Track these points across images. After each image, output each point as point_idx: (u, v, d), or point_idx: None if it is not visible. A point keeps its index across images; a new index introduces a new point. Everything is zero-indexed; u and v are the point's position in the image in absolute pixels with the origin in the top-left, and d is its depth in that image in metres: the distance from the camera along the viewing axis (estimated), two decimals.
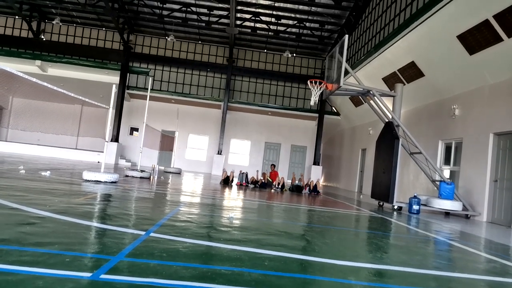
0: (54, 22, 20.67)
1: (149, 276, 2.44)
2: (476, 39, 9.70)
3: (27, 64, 21.58)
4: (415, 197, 9.73)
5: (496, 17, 8.81)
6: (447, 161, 12.00)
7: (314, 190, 13.57)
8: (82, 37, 23.46)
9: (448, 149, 12.01)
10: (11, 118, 26.10)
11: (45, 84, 7.98)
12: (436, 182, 10.54)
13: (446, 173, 11.74)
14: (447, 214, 10.32)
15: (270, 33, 21.43)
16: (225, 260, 3.13)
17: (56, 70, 22.56)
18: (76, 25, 23.34)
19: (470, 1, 9.32)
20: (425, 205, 10.18)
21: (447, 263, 4.17)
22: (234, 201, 8.63)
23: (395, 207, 10.26)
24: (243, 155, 25.26)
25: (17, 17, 22.49)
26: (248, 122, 25.05)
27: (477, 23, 9.42)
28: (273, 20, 20.51)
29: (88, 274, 2.35)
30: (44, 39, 22.74)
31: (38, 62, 21.90)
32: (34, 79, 7.01)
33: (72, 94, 9.28)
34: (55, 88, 8.34)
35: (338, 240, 4.89)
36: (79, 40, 23.43)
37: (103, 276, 2.35)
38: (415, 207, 9.59)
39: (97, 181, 8.78)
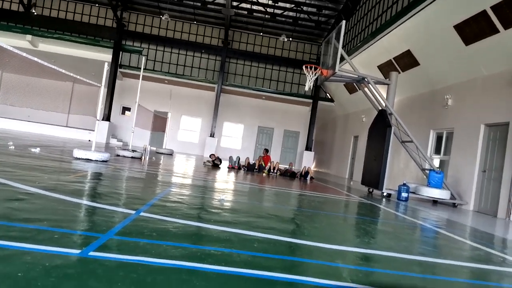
0: None
1: (138, 254, 2.45)
2: (473, 29, 9.68)
3: (17, 39, 21.05)
4: (404, 184, 9.86)
5: (493, 8, 8.78)
6: (437, 151, 12.13)
7: (305, 175, 13.68)
8: (74, 12, 22.89)
9: (439, 138, 12.13)
10: (1, 93, 25.59)
11: (36, 59, 7.82)
12: (426, 171, 10.68)
13: (436, 162, 11.88)
14: (435, 202, 10.50)
15: (266, 16, 21.14)
16: (215, 241, 3.15)
17: (48, 46, 22.06)
18: (68, 0, 22.74)
19: None
20: (413, 193, 10.32)
21: (432, 249, 4.26)
22: (225, 184, 8.66)
23: (384, 194, 10.39)
24: (236, 139, 25.24)
25: None
26: (241, 106, 24.94)
27: (474, 13, 9.38)
28: (270, 2, 20.20)
29: (77, 251, 2.35)
30: (35, 13, 22.14)
31: (29, 37, 21.37)
32: (24, 54, 6.85)
33: (63, 71, 9.12)
34: (46, 64, 8.18)
35: (327, 225, 4.95)
36: (71, 16, 22.87)
37: (92, 253, 2.35)
38: (404, 194, 9.73)
39: (88, 159, 8.72)
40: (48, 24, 22.13)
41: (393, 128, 10.43)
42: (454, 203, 10.05)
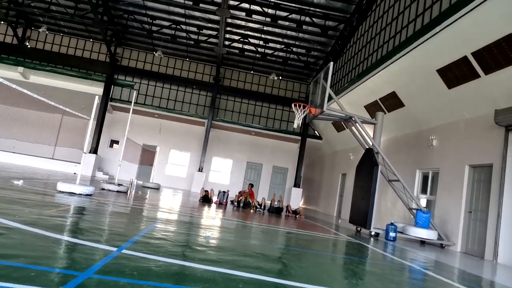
0: (40, 30, 20.48)
1: None
2: (455, 74, 10.09)
3: (9, 70, 21.15)
4: (392, 224, 9.83)
5: (474, 54, 9.22)
6: (424, 190, 12.23)
7: (294, 212, 13.63)
8: (68, 46, 23.23)
9: (425, 178, 12.26)
10: None
11: (25, 91, 7.83)
12: (413, 210, 10.69)
13: (423, 202, 11.93)
14: (423, 242, 10.44)
15: (257, 55, 21.78)
16: (198, 280, 3.05)
17: (39, 78, 22.15)
18: (62, 35, 23.15)
19: (450, 39, 9.74)
20: (401, 232, 10.27)
21: None
22: (212, 220, 8.50)
23: (372, 233, 10.31)
24: (224, 174, 25.11)
25: (2, 22, 22.16)
26: (231, 141, 25.04)
27: (456, 59, 9.81)
28: (261, 43, 20.88)
29: None
30: (29, 46, 22.40)
31: (20, 68, 21.49)
32: (14, 86, 6.86)
33: (52, 103, 9.11)
34: (35, 95, 8.18)
35: (315, 264, 4.86)
36: (64, 50, 23.18)
37: None
38: (392, 234, 9.66)
39: (72, 193, 8.53)
40: (41, 57, 22.33)
41: (380, 167, 10.54)
42: (442, 244, 10.01)
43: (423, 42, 10.49)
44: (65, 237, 3.96)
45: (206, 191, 14.16)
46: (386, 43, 13.30)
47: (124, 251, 3.66)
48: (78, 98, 21.89)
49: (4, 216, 4.40)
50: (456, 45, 9.65)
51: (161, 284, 2.75)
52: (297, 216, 13.40)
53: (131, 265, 3.19)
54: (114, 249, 3.68)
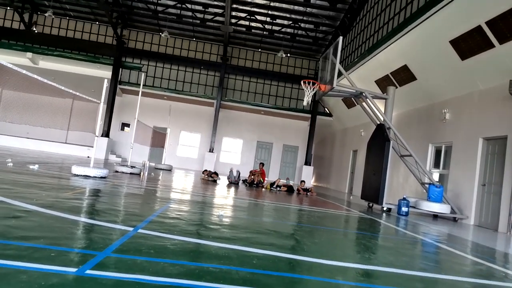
0: (46, 14, 20.38)
1: (136, 272, 2.42)
2: (468, 44, 9.80)
3: (18, 56, 21.24)
4: (404, 199, 9.82)
5: (488, 23, 8.92)
6: (436, 164, 12.13)
7: (305, 190, 13.72)
8: (74, 30, 23.18)
9: (438, 152, 12.13)
10: (0, 110, 25.64)
11: (36, 76, 7.88)
12: (425, 185, 10.65)
13: (436, 176, 11.85)
14: (435, 216, 10.43)
15: (264, 32, 21.42)
16: (213, 257, 3.12)
17: (48, 63, 22.22)
18: (69, 18, 23.06)
19: (464, 7, 9.42)
20: (414, 207, 10.27)
21: (434, 265, 4.21)
22: (224, 199, 8.61)
23: (384, 208, 10.33)
24: (235, 154, 25.23)
25: (8, 8, 22.13)
26: (240, 121, 25.02)
27: (469, 28, 9.51)
28: (268, 19, 20.50)
29: (74, 269, 2.32)
30: (36, 31, 22.40)
31: (29, 54, 21.56)
32: (24, 71, 6.90)
33: (63, 88, 9.18)
34: (45, 81, 8.24)
35: (327, 240, 4.91)
36: (71, 34, 23.15)
37: (88, 271, 2.32)
38: (404, 209, 9.67)
39: (86, 175, 8.69)
40: (48, 42, 22.36)
41: (391, 142, 10.44)
42: (455, 218, 9.99)
43: (435, 12, 10.17)
44: (83, 219, 4.06)
45: (205, 171, 14.46)
46: (397, 15, 12.93)
47: (140, 230, 3.74)
48: (88, 82, 22.03)
49: (22, 200, 4.52)
50: (470, 14, 9.33)
51: (178, 261, 2.82)
52: (308, 193, 13.47)
53: (148, 243, 3.27)
54: (131, 229, 3.76)
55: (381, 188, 10.17)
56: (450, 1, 9.48)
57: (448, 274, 3.66)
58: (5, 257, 2.41)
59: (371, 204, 11.20)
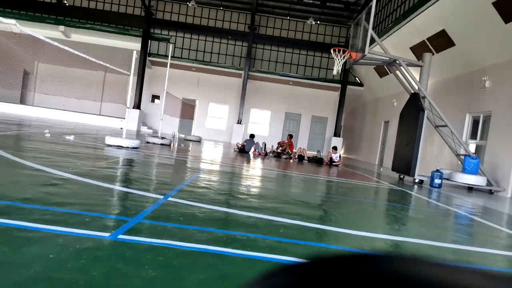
0: None
1: (166, 238, 2.49)
2: None
3: (50, 30, 21.72)
4: (437, 170, 9.52)
5: None
6: (473, 135, 11.59)
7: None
8: (104, 2, 23.30)
9: (475, 122, 11.56)
10: (37, 82, 26.69)
11: (68, 49, 8.04)
12: (461, 157, 10.25)
13: (472, 148, 11.37)
14: (470, 189, 10.09)
15: None
16: (241, 226, 3.15)
17: (80, 36, 22.65)
18: None
19: None
20: (447, 179, 9.95)
21: (467, 237, 4.09)
22: (252, 170, 8.67)
23: (416, 180, 10.08)
24: (263, 125, 25.18)
25: None
26: (268, 92, 24.76)
27: None
28: None
29: (107, 234, 2.41)
30: (67, 4, 22.73)
31: (61, 27, 22.01)
32: (56, 43, 7.05)
33: (94, 60, 9.34)
34: (77, 53, 8.40)
35: (355, 211, 4.86)
36: (101, 6, 23.32)
37: (121, 236, 2.41)
38: (437, 181, 9.39)
39: (119, 146, 8.96)
40: (79, 15, 22.67)
41: (426, 112, 10.03)
42: (491, 190, 9.62)
43: None
44: (116, 187, 4.20)
45: (242, 144, 14.38)
46: None
47: (170, 198, 3.83)
48: (118, 54, 22.32)
49: (59, 168, 4.72)
50: None
51: (206, 229, 2.87)
52: (332, 164, 13.31)
53: (177, 211, 3.34)
54: (161, 197, 3.86)
55: (413, 159, 9.88)
56: None
57: (482, 246, 3.54)
58: (43, 221, 2.53)
59: (402, 176, 10.96)
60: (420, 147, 9.92)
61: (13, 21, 5.60)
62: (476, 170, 9.51)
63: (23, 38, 22.45)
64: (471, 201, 7.62)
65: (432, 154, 13.53)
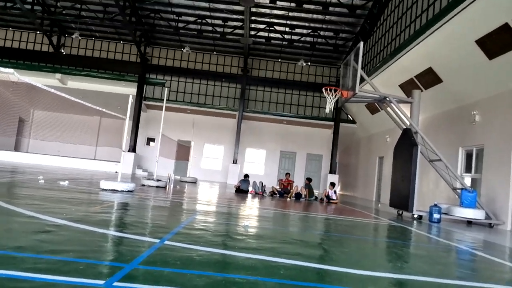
0: (73, 36, 21.24)
1: (163, 284, 2.40)
2: (495, 43, 9.47)
3: (47, 78, 22.13)
4: (435, 205, 9.46)
5: None
6: (468, 169, 11.66)
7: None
8: (100, 50, 24.01)
9: (469, 156, 11.68)
10: (32, 129, 26.79)
11: (64, 95, 8.17)
12: (457, 190, 10.24)
13: (467, 181, 11.39)
14: (469, 223, 9.99)
15: (284, 42, 21.50)
16: (240, 268, 3.07)
17: (76, 83, 23.09)
18: (94, 39, 23.93)
19: (488, 5, 9.13)
20: (446, 214, 9.87)
21: (471, 272, 4.00)
22: (249, 210, 8.56)
23: (415, 216, 9.98)
24: (258, 164, 25.19)
25: (38, 32, 23.21)
26: (263, 131, 25.03)
27: (496, 27, 9.20)
28: (287, 29, 20.58)
29: (101, 282, 2.32)
30: (64, 53, 23.37)
31: (58, 75, 22.47)
32: (52, 90, 7.17)
33: (90, 105, 9.47)
34: (73, 99, 8.53)
35: (356, 249, 4.77)
36: (97, 53, 23.99)
37: (116, 283, 2.33)
38: (436, 215, 9.31)
39: (114, 190, 8.86)
40: (76, 62, 23.26)
41: (419, 147, 10.14)
42: (490, 223, 9.53)
43: (459, 12, 9.89)
44: (111, 232, 4.11)
45: (237, 185, 14.31)
46: (418, 17, 12.69)
47: (166, 242, 3.74)
48: (114, 99, 22.65)
49: (52, 215, 4.63)
50: (495, 12, 9.03)
51: (204, 272, 2.79)
52: (330, 201, 13.21)
53: (174, 255, 3.26)
54: (157, 240, 3.78)
55: (410, 195, 9.85)
56: (474, 1, 9.22)
57: (487, 282, 3.46)
58: (37, 270, 2.45)
59: (400, 212, 10.86)
60: (416, 182, 9.93)
61: (11, 70, 5.73)
62: (473, 204, 9.48)
63: (20, 86, 22.83)
64: (472, 235, 7.53)
65: (428, 188, 13.52)
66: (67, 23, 22.47)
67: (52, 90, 7.25)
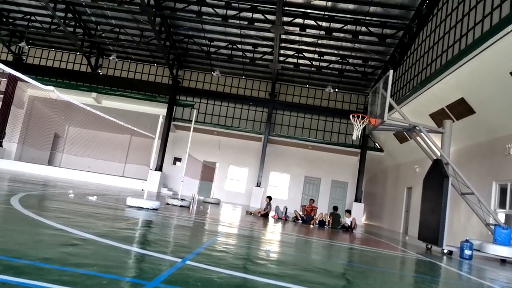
0: (110, 58, 22.35)
1: None
2: None
3: (84, 96, 23.24)
4: (467, 241, 9.00)
5: None
6: (502, 204, 11.11)
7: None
8: (135, 71, 25.03)
9: (503, 190, 11.15)
10: (66, 145, 27.89)
11: (99, 113, 8.51)
12: (490, 226, 9.73)
13: (501, 217, 10.83)
14: (503, 261, 9.41)
15: (312, 68, 21.69)
16: None
17: (110, 102, 24.10)
18: (130, 61, 25.03)
19: None
20: (478, 250, 9.36)
21: None
22: (272, 234, 8.45)
23: (445, 251, 9.52)
24: (282, 189, 24.99)
25: (78, 53, 24.53)
26: (288, 156, 24.96)
27: None
28: (316, 56, 20.80)
29: None
30: (101, 73, 24.52)
31: (94, 94, 23.57)
32: (88, 108, 7.49)
33: (123, 123, 9.79)
34: (107, 117, 8.85)
35: (382, 282, 4.59)
36: (132, 75, 25.01)
37: None
38: (467, 252, 8.84)
39: (140, 207, 9.00)
40: (111, 83, 24.34)
41: (450, 179, 9.79)
42: None
43: (493, 44, 9.72)
44: (134, 248, 4.16)
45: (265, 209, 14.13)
46: (451, 47, 12.54)
47: (188, 262, 3.75)
48: (145, 119, 23.40)
49: (79, 229, 4.75)
50: None
51: None
52: (349, 229, 12.91)
53: (195, 276, 3.25)
54: (179, 260, 3.78)
55: (440, 229, 9.44)
56: (509, 32, 9.04)
57: None
58: (61, 283, 2.50)
59: (429, 246, 10.40)
60: (447, 215, 9.53)
61: (51, 87, 6.04)
62: (508, 241, 8.96)
63: (58, 104, 24.02)
64: (506, 274, 7.08)
65: (459, 223, 12.94)
66: (106, 46, 23.68)
67: (88, 108, 7.57)
